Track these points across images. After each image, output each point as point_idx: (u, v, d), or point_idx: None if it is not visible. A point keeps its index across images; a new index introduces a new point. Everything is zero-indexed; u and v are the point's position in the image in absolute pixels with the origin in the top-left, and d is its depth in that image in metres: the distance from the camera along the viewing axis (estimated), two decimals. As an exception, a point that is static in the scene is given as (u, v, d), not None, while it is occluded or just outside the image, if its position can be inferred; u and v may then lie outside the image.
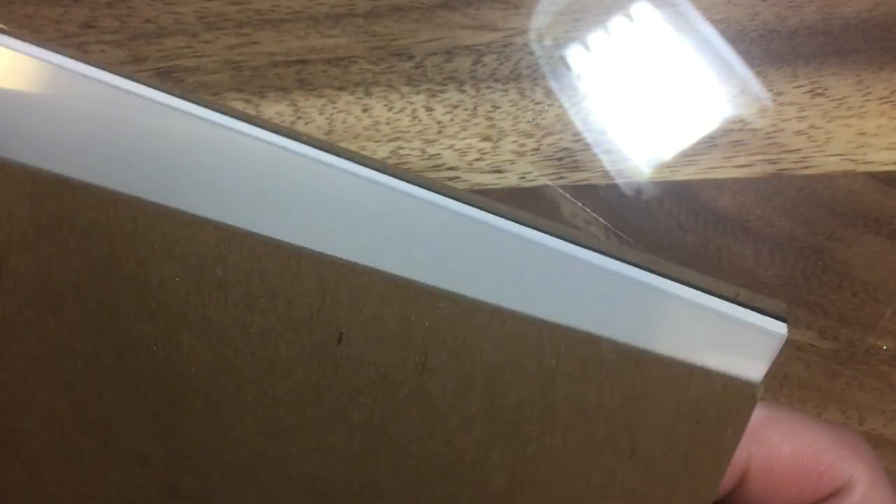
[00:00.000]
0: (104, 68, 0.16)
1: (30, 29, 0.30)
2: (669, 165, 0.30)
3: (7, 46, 0.15)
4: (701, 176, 0.30)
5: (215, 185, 0.15)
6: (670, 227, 0.29)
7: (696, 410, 0.15)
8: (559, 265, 0.15)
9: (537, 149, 0.30)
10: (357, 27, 0.31)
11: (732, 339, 0.15)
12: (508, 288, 0.15)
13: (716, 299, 0.15)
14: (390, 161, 0.30)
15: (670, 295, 0.15)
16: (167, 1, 0.30)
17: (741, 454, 0.17)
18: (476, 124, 0.30)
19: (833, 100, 0.31)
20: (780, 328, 0.15)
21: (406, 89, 0.30)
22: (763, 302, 0.15)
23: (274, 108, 0.30)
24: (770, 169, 0.30)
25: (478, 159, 0.30)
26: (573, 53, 0.31)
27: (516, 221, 0.17)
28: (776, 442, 0.17)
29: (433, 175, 0.30)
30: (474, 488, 0.16)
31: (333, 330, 0.15)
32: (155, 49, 0.30)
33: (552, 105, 0.30)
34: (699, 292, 0.15)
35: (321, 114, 0.30)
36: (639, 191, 0.29)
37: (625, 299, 0.15)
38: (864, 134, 0.30)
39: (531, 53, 0.31)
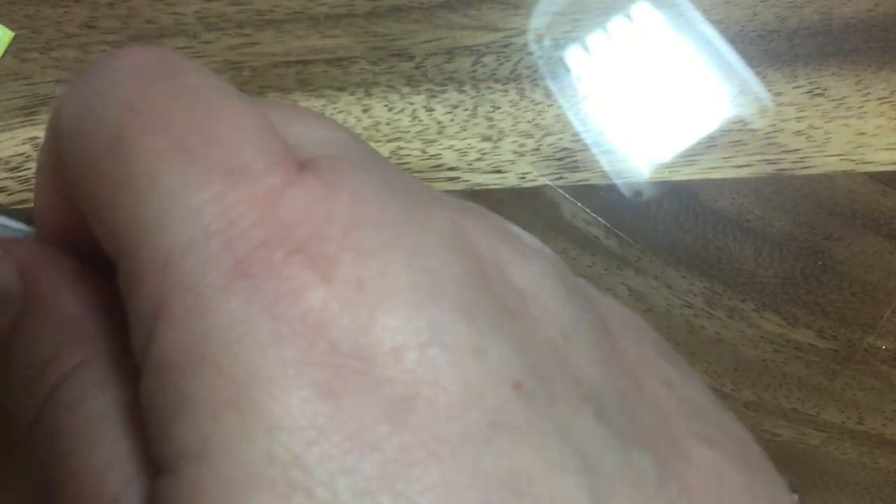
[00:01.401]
0: None
1: (30, 29, 0.30)
2: (669, 166, 0.30)
3: None
4: (700, 176, 0.30)
5: None
6: (670, 227, 0.29)
7: None
8: None
9: (537, 149, 0.30)
10: (357, 28, 0.31)
11: None
12: None
13: None
14: (391, 161, 0.30)
15: None
16: (168, 1, 0.30)
17: None
18: (476, 124, 0.30)
19: (832, 100, 0.31)
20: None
21: (406, 90, 0.30)
22: None
23: (274, 109, 0.30)
24: (769, 169, 0.30)
25: (478, 159, 0.30)
26: (573, 54, 0.31)
27: None
28: None
29: (434, 175, 0.30)
30: None
31: None
32: (155, 49, 0.30)
33: (552, 105, 0.30)
34: None
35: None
36: (638, 191, 0.30)
37: None
38: (863, 134, 0.30)
39: (531, 54, 0.31)
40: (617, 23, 0.32)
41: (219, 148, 0.12)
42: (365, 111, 0.30)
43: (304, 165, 0.13)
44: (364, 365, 0.11)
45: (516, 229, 0.14)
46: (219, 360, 0.11)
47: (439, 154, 0.30)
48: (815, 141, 0.30)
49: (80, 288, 0.15)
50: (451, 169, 0.30)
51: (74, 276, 0.15)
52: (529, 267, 0.14)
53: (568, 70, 0.31)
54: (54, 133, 0.14)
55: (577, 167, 0.30)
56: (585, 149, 0.30)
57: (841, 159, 0.30)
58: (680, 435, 0.14)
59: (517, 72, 0.31)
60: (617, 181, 0.30)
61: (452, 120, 0.30)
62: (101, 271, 0.16)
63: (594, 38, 0.31)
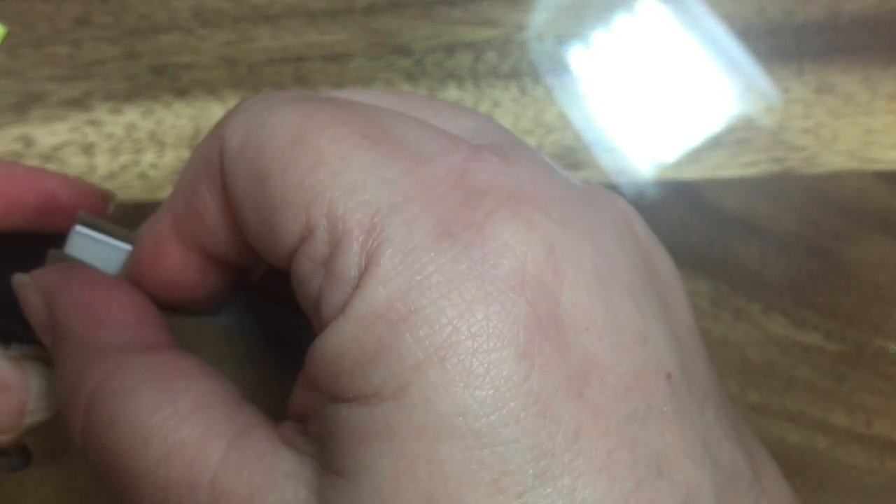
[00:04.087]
0: None
1: (23, 25, 0.29)
2: (673, 164, 0.29)
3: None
4: (705, 175, 0.29)
5: None
6: (674, 226, 0.29)
7: None
8: None
9: (539, 147, 0.29)
10: (355, 23, 0.30)
11: None
12: None
13: None
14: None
15: None
16: (162, -4, 0.30)
17: None
18: (476, 122, 0.29)
19: (840, 97, 0.30)
20: None
21: (405, 86, 0.30)
22: None
23: (271, 106, 0.29)
24: (776, 167, 0.29)
25: (478, 158, 0.29)
26: (575, 50, 0.31)
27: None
28: None
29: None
30: None
31: None
32: (150, 45, 0.29)
33: (553, 103, 0.30)
34: None
35: (319, 111, 0.29)
36: (642, 190, 0.29)
37: None
38: (871, 132, 0.30)
39: (532, 50, 0.30)
40: (620, 18, 0.31)
41: (393, 137, 0.14)
42: (363, 108, 0.29)
43: (477, 147, 0.14)
44: (555, 333, 0.12)
45: None
46: (427, 314, 0.12)
47: (439, 152, 0.29)
48: (822, 139, 0.30)
49: (95, 309, 0.16)
50: (451, 167, 0.29)
51: (89, 300, 0.16)
52: (667, 258, 0.15)
53: (570, 66, 0.30)
54: (216, 155, 0.15)
55: (580, 166, 0.29)
56: (588, 147, 0.29)
57: (849, 158, 0.30)
58: (750, 444, 0.15)
59: (518, 68, 0.30)
60: (620, 180, 0.29)
61: (452, 117, 0.29)
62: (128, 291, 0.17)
63: (597, 33, 0.31)
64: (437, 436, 0.11)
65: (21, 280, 0.17)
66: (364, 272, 0.12)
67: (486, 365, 0.12)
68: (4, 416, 0.18)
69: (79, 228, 0.18)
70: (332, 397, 0.13)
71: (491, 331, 0.12)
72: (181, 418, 0.14)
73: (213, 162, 0.15)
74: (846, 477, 0.27)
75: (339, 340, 0.12)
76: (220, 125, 0.15)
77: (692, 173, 0.29)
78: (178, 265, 0.17)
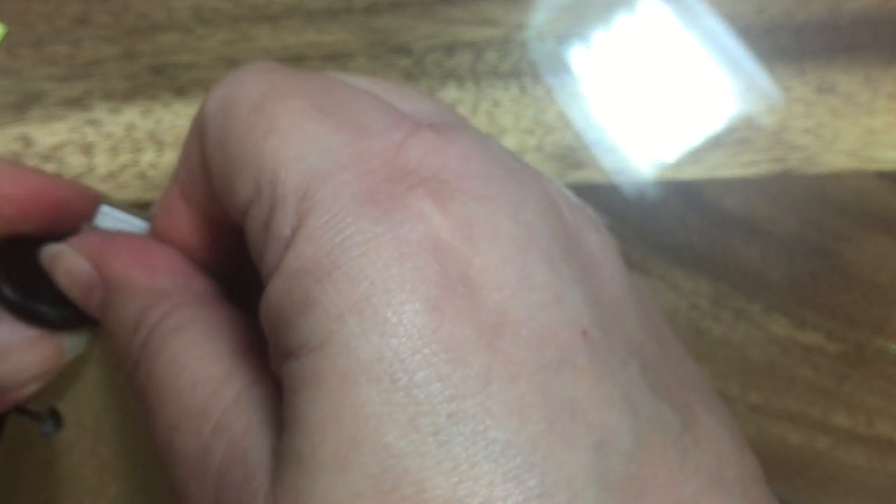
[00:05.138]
0: None
1: (22, 25, 0.29)
2: (673, 164, 0.29)
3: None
4: (706, 175, 0.29)
5: None
6: (674, 226, 0.29)
7: None
8: None
9: (539, 147, 0.29)
10: (355, 23, 0.30)
11: None
12: None
13: None
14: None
15: None
16: (161, -4, 0.30)
17: None
18: (477, 121, 0.29)
19: (841, 96, 0.30)
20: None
21: (405, 86, 0.30)
22: None
23: (270, 106, 0.29)
24: (777, 167, 0.29)
25: (478, 157, 0.29)
26: (575, 49, 0.31)
27: None
28: None
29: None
30: None
31: None
32: (149, 45, 0.29)
33: (553, 103, 0.30)
34: None
35: (318, 111, 0.29)
36: (642, 190, 0.29)
37: None
38: (872, 132, 0.30)
39: (533, 49, 0.30)
40: (621, 18, 0.31)
41: (346, 112, 0.15)
42: (363, 108, 0.29)
43: (419, 126, 0.15)
44: (466, 290, 0.13)
45: (581, 201, 0.17)
46: (348, 269, 0.13)
47: (439, 152, 0.29)
48: (823, 138, 0.30)
49: (149, 261, 0.18)
50: (451, 167, 0.29)
51: (140, 254, 0.18)
52: (599, 235, 0.16)
53: (570, 66, 0.30)
54: (201, 118, 0.16)
55: (580, 165, 0.29)
56: (588, 147, 0.29)
57: (850, 157, 0.29)
58: (691, 401, 0.16)
59: (519, 68, 0.30)
60: (620, 180, 0.29)
61: (452, 117, 0.29)
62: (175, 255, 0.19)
63: (597, 33, 0.31)
64: (358, 381, 0.13)
65: (56, 250, 0.19)
66: (296, 231, 0.14)
67: (399, 315, 0.13)
68: (48, 360, 0.20)
69: (104, 209, 0.20)
70: (282, 354, 0.14)
71: (404, 286, 0.13)
72: (214, 358, 0.16)
73: (199, 128, 0.17)
74: (847, 477, 0.27)
75: (277, 296, 0.14)
76: (209, 90, 0.17)
77: (692, 173, 0.29)
78: (188, 229, 0.18)
